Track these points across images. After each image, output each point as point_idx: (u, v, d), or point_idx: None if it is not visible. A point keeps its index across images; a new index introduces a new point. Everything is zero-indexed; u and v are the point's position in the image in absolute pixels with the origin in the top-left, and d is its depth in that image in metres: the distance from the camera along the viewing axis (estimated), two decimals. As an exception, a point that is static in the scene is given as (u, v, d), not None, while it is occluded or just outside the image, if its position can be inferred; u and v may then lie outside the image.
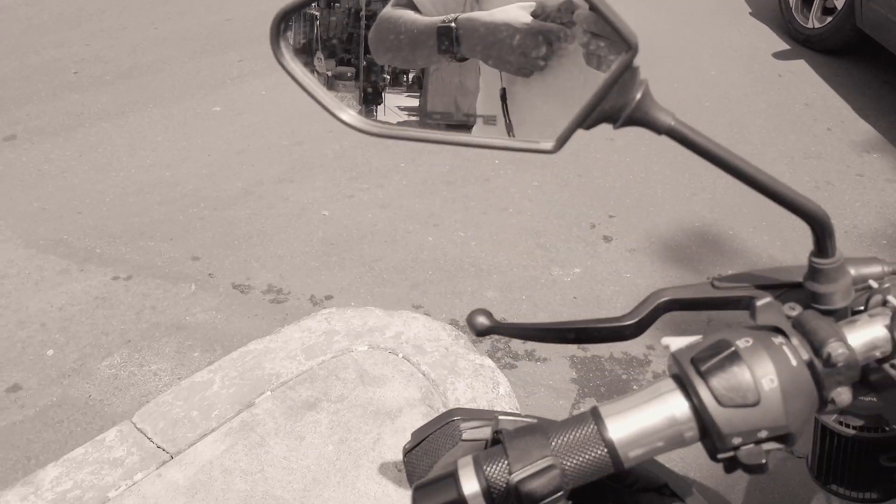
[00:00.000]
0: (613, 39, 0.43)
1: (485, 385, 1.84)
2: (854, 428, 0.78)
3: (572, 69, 0.47)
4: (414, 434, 0.64)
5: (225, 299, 2.48)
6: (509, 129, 0.49)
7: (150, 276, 2.58)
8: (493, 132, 0.49)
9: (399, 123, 0.51)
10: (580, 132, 0.47)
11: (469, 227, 2.83)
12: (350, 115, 0.50)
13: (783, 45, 4.18)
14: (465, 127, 0.50)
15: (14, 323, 2.38)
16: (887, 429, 0.77)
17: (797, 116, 3.53)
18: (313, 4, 0.54)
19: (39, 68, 4.08)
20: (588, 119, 0.45)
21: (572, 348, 2.25)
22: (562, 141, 0.46)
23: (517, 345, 2.28)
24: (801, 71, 3.92)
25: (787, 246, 2.70)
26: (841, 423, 0.79)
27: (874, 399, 0.80)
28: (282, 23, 0.49)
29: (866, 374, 0.49)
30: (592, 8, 0.43)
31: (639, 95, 0.45)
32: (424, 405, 1.77)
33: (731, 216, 2.85)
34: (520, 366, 2.19)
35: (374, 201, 2.98)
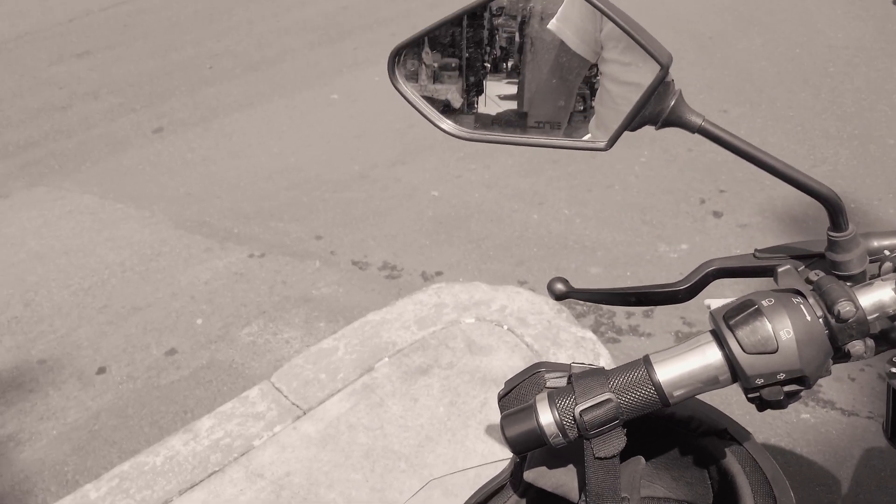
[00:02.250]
0: (647, 58, 0.52)
1: (585, 356, 1.93)
2: None
3: (621, 75, 0.56)
4: (507, 383, 0.77)
5: (345, 275, 2.71)
6: (572, 132, 0.60)
7: (280, 254, 2.85)
8: (558, 134, 0.60)
9: (485, 129, 0.63)
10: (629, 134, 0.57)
11: (574, 204, 2.89)
12: (448, 124, 0.63)
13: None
14: (537, 129, 0.61)
15: (168, 295, 2.73)
16: None
17: (935, 78, 3.27)
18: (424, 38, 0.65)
19: (179, 65, 4.51)
20: (633, 123, 0.55)
21: (677, 324, 2.28)
22: (613, 140, 0.56)
23: (621, 319, 2.34)
24: (943, 27, 3.61)
25: (916, 219, 2.56)
26: None
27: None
28: (396, 57, 0.62)
29: (887, 332, 0.55)
30: (628, 34, 0.52)
31: (673, 102, 0.54)
32: (528, 374, 1.88)
33: (853, 188, 2.73)
34: (623, 340, 2.25)
35: (480, 181, 3.11)
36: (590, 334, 2.07)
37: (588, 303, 2.46)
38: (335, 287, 2.65)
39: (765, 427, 1.91)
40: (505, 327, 2.07)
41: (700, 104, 3.58)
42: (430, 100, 0.65)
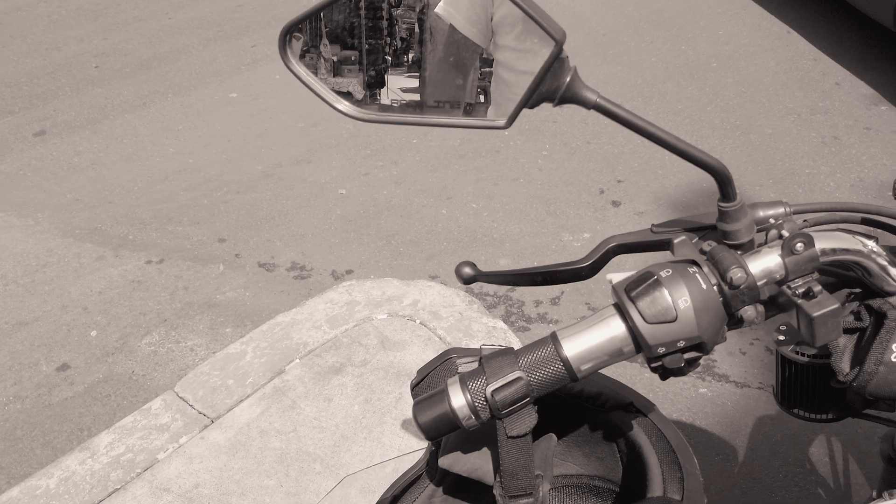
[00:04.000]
0: (542, 36, 0.53)
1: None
2: (808, 356, 0.88)
3: (515, 61, 0.57)
4: (419, 371, 0.76)
5: (252, 277, 2.62)
6: (471, 111, 0.60)
7: (180, 259, 2.73)
8: (458, 113, 0.60)
9: (384, 110, 0.62)
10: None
11: (481, 198, 2.93)
12: (345, 105, 0.61)
13: None
14: (437, 109, 0.61)
15: (58, 308, 2.55)
16: None
17: (805, 72, 3.54)
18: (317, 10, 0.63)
19: (62, 64, 4.22)
20: (530, 100, 0.55)
21: (583, 311, 2.36)
22: (512, 119, 0.57)
23: (530, 308, 2.39)
24: (811, 25, 3.91)
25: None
26: (797, 352, 0.89)
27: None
28: (287, 35, 0.60)
29: (775, 297, 0.59)
30: (522, 10, 0.53)
31: (568, 79, 0.55)
32: (442, 366, 1.89)
33: (737, 175, 2.91)
34: (532, 328, 2.30)
35: (388, 178, 3.09)
36: (501, 324, 2.10)
37: (497, 285, 2.50)
38: (241, 291, 2.56)
39: (667, 403, 2.01)
40: (418, 321, 2.07)
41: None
42: (327, 80, 0.63)
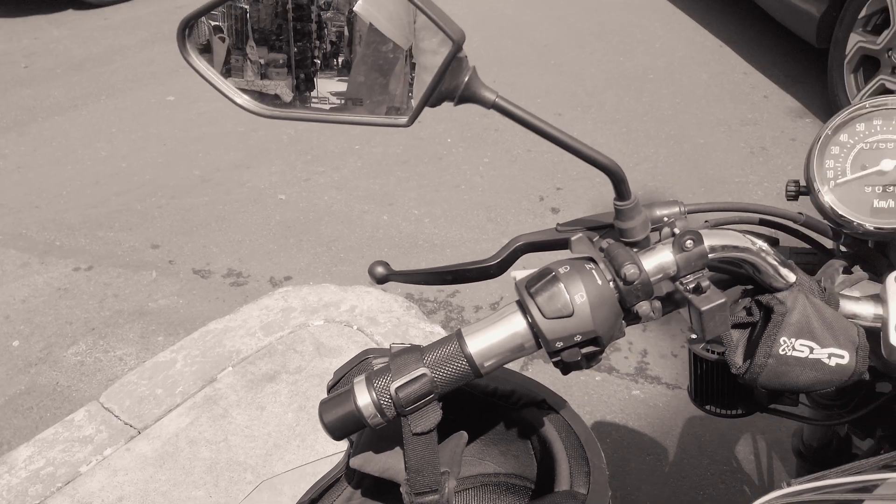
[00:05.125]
0: (442, 36, 0.53)
1: (435, 351, 1.96)
2: (718, 354, 0.91)
3: (421, 62, 0.57)
4: (335, 372, 0.76)
5: (186, 284, 2.55)
6: (374, 109, 0.60)
7: (111, 266, 2.64)
8: (360, 111, 0.60)
9: (284, 106, 0.61)
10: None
11: (423, 204, 2.93)
12: (244, 99, 0.60)
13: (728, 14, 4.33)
14: (340, 107, 0.60)
15: (-22, 317, 2.43)
16: None
17: (736, 85, 3.68)
18: (219, 7, 0.62)
19: (-12, 63, 4.05)
20: (430, 99, 0.56)
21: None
22: (413, 117, 0.57)
23: (469, 314, 2.39)
24: (742, 40, 4.06)
25: (724, 209, 2.85)
26: (708, 350, 0.92)
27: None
28: (186, 28, 0.58)
29: (671, 294, 0.60)
30: (421, 11, 0.53)
31: (467, 78, 0.56)
32: (378, 372, 1.88)
33: (671, 183, 3.00)
34: (471, 333, 2.31)
35: (329, 183, 3.06)
36: (438, 329, 2.10)
37: (429, 288, 2.49)
38: (174, 298, 2.49)
39: (601, 405, 2.04)
40: (354, 327, 2.05)
41: (537, 107, 3.78)
42: (226, 73, 0.62)
